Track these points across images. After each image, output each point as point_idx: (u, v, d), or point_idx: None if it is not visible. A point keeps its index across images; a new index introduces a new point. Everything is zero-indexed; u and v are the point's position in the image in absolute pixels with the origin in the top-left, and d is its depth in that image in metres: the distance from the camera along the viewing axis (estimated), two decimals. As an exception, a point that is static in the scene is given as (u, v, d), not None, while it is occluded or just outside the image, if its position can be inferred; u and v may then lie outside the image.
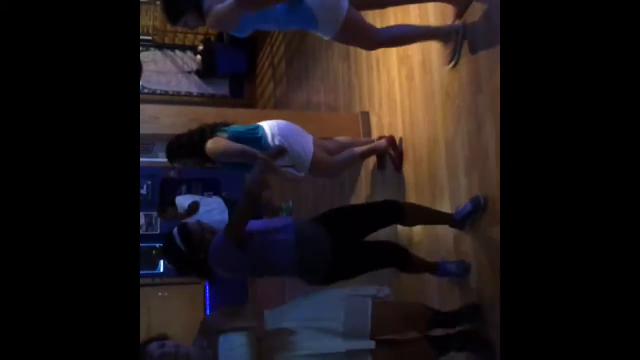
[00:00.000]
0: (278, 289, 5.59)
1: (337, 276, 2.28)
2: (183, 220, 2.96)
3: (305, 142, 3.10)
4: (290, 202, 5.43)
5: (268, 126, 3.06)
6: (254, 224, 2.20)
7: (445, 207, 2.71)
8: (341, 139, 3.34)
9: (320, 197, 4.55)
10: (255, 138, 3.00)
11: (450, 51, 2.70)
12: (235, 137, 2.98)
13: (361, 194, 3.73)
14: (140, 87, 6.23)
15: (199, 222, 2.30)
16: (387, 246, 2.43)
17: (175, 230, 2.23)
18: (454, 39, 2.65)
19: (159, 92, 6.18)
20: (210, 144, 2.94)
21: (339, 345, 1.94)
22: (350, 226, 2.33)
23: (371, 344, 1.96)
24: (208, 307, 6.48)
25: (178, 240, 2.20)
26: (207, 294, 6.53)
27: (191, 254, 2.19)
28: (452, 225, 2.55)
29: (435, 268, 2.54)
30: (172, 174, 6.44)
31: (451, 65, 2.72)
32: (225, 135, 2.99)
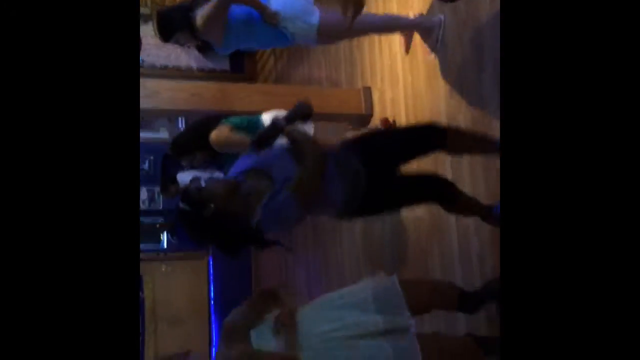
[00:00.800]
0: (280, 260, 5.63)
1: (372, 209, 2.15)
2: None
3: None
4: None
5: (268, 117, 3.11)
6: (285, 169, 1.98)
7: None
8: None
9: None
10: (255, 128, 3.05)
11: (432, 41, 2.82)
12: (237, 128, 3.04)
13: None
14: (140, 61, 6.17)
15: (194, 178, 2.10)
16: (429, 177, 2.21)
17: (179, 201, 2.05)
18: (437, 30, 2.77)
19: (158, 66, 6.12)
20: (214, 135, 3.00)
21: (375, 320, 1.78)
22: (385, 154, 2.14)
23: (409, 318, 1.80)
24: (212, 282, 6.53)
25: (182, 205, 1.97)
26: (211, 269, 6.59)
27: (198, 211, 1.93)
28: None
29: (486, 212, 2.27)
30: (174, 149, 6.43)
31: (434, 55, 2.83)
32: (228, 125, 3.04)
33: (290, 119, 2.12)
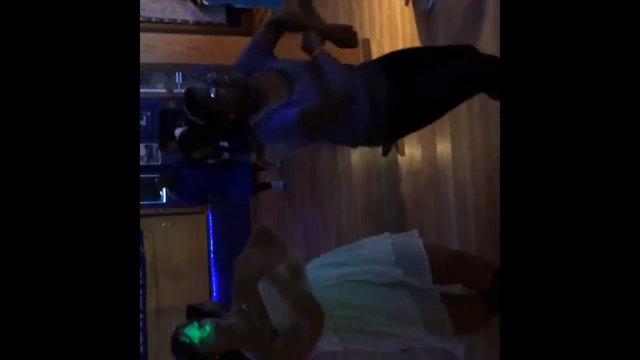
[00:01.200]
0: (279, 214, 5.68)
1: (404, 127, 1.95)
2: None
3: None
4: (281, 183, 5.44)
5: None
6: (309, 85, 1.79)
7: (445, 133, 2.71)
8: None
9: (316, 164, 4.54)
10: None
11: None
12: None
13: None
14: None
15: (206, 81, 1.80)
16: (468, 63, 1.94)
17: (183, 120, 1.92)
18: None
19: (154, 20, 6.01)
20: None
21: (395, 271, 1.71)
22: (417, 63, 1.93)
23: (429, 279, 1.71)
24: (211, 236, 6.61)
25: (191, 116, 1.77)
26: (210, 223, 6.66)
27: (214, 125, 1.78)
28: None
29: None
30: (171, 104, 6.40)
31: (428, 7, 2.72)
32: None
33: (334, 38, 1.85)
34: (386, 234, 1.90)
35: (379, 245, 1.82)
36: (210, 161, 5.02)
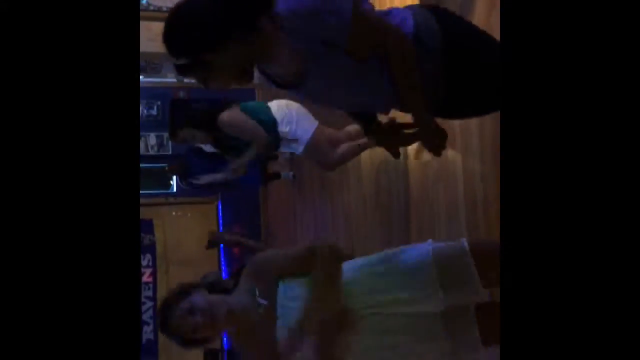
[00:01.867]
0: (289, 205, 5.71)
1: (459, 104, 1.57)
2: None
3: (308, 126, 3.20)
4: (291, 173, 5.45)
5: (277, 106, 3.19)
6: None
7: (454, 125, 2.70)
8: (350, 128, 3.27)
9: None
10: (264, 119, 3.13)
11: None
12: (248, 111, 3.11)
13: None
14: (145, 4, 6.07)
15: None
16: None
17: None
18: None
19: (164, 9, 6.02)
20: (226, 116, 3.06)
21: (436, 297, 1.43)
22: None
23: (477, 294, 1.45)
24: (221, 226, 6.65)
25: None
26: (220, 212, 6.70)
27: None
28: None
29: None
30: (182, 94, 6.42)
31: None
32: (239, 109, 3.13)
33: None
34: (429, 241, 1.59)
35: (418, 260, 1.52)
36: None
